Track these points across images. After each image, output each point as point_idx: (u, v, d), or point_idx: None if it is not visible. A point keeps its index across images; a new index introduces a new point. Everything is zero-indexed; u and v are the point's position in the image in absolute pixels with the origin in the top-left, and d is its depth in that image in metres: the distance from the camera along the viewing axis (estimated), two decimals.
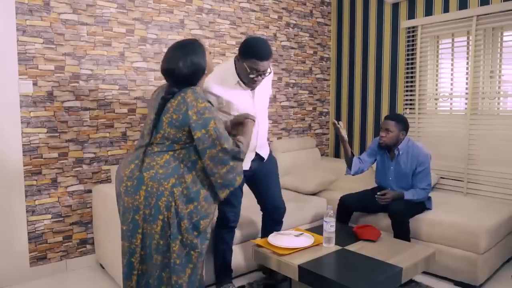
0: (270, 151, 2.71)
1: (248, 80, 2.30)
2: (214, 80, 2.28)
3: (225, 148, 1.83)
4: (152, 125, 1.88)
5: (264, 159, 2.60)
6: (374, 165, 3.29)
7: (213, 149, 1.82)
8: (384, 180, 3.07)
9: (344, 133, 2.96)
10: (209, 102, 1.90)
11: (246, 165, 2.46)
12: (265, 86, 2.52)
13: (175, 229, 1.79)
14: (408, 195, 2.86)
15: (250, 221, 2.87)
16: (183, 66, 1.85)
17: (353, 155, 3.09)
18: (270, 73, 2.33)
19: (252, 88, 2.40)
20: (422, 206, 2.93)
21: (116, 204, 1.99)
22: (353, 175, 3.13)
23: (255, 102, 2.45)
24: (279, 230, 2.62)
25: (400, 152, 2.96)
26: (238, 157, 1.90)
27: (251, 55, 2.21)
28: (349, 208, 3.03)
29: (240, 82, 2.35)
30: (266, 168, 2.62)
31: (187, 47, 1.90)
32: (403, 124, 2.94)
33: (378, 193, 2.89)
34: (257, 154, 2.55)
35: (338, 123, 2.95)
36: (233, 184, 1.91)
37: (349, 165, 3.09)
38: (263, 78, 2.32)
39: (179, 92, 1.85)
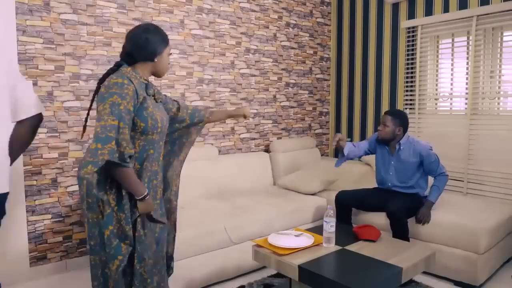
0: None
1: None
2: None
3: (105, 126, 1.61)
4: (87, 113, 1.85)
5: None
6: (374, 166, 3.30)
7: (98, 123, 1.64)
8: (385, 175, 3.09)
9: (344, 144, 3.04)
10: (128, 80, 1.71)
11: None
12: None
13: (105, 218, 1.70)
14: (434, 196, 2.88)
15: (249, 221, 2.88)
16: (137, 36, 1.77)
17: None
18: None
19: None
20: (421, 206, 2.93)
21: None
22: (343, 161, 3.15)
23: None
24: None
25: (402, 147, 2.99)
26: (106, 143, 1.61)
27: None
28: (345, 204, 3.05)
29: None
30: None
31: (155, 29, 1.82)
32: (400, 120, 2.97)
33: (416, 220, 2.83)
34: None
35: (339, 141, 3.02)
36: (82, 167, 1.59)
37: (341, 152, 3.13)
38: None
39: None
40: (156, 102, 1.87)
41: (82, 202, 1.72)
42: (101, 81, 1.75)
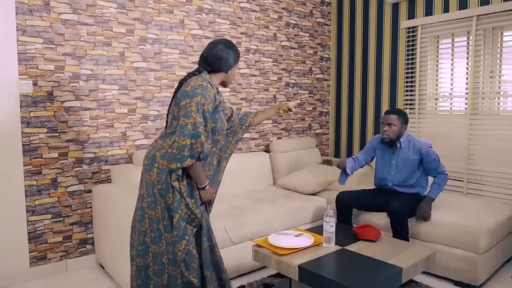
0: None
1: None
2: None
3: (195, 123, 1.85)
4: (168, 109, 2.05)
5: None
6: (373, 167, 3.29)
7: (186, 119, 1.86)
8: (385, 175, 3.09)
9: (337, 162, 3.13)
10: (210, 85, 1.94)
11: None
12: None
13: (175, 204, 1.92)
14: (434, 192, 2.89)
15: (249, 221, 2.87)
16: (219, 50, 2.03)
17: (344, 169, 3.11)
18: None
19: None
20: None
21: (116, 203, 2.02)
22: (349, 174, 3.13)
23: None
24: None
25: (402, 145, 3.00)
26: (198, 138, 1.86)
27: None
28: (346, 205, 3.04)
29: None
30: None
31: (233, 45, 2.10)
32: (404, 117, 3.01)
33: (416, 216, 2.84)
34: None
35: (327, 163, 3.15)
36: (181, 161, 1.86)
37: (343, 170, 3.12)
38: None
39: (192, 77, 2.00)
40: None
41: (151, 187, 1.96)
42: (182, 80, 2.01)
